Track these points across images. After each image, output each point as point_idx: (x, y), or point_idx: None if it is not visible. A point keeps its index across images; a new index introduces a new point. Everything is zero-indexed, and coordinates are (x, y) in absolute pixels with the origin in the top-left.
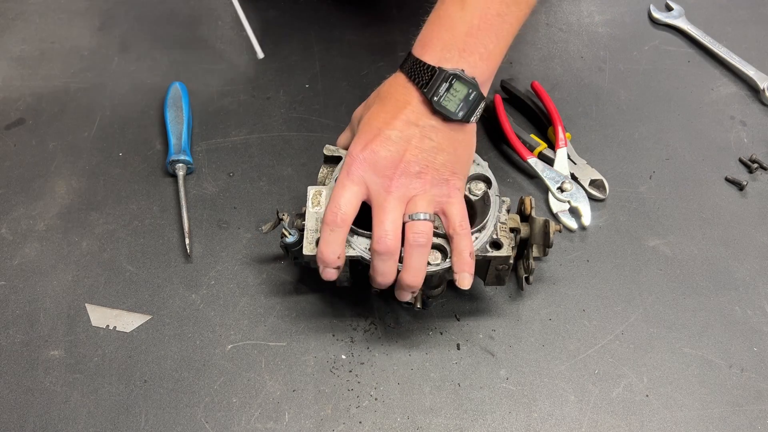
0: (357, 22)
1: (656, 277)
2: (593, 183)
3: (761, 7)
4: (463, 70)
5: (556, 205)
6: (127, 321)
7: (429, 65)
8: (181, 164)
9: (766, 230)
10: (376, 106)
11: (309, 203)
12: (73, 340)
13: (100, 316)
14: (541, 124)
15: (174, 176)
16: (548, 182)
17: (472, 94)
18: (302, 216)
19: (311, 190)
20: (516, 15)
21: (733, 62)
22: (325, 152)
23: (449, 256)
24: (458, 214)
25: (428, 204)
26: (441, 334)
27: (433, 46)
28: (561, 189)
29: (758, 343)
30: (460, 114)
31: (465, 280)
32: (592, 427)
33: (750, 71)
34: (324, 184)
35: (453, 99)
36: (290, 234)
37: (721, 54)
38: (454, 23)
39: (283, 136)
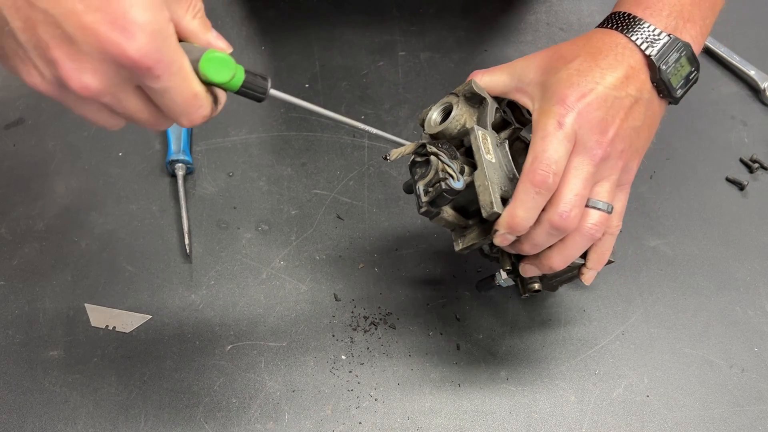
0: (357, 22)
1: (657, 278)
2: None
3: (761, 7)
4: (689, 44)
5: None
6: (127, 321)
7: (658, 30)
8: (180, 164)
9: (766, 230)
10: (587, 60)
11: (481, 147)
12: (72, 341)
13: (99, 317)
14: None
15: (173, 176)
16: None
17: (693, 74)
18: (446, 155)
19: (478, 132)
20: None
21: (734, 62)
22: (474, 87)
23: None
24: (622, 210)
25: (610, 193)
26: (441, 334)
27: (659, 9)
28: None
29: (759, 344)
30: (679, 92)
31: (592, 277)
32: (592, 428)
33: (751, 71)
34: (438, 124)
35: (677, 74)
36: (456, 175)
37: (721, 54)
38: None
39: (283, 136)
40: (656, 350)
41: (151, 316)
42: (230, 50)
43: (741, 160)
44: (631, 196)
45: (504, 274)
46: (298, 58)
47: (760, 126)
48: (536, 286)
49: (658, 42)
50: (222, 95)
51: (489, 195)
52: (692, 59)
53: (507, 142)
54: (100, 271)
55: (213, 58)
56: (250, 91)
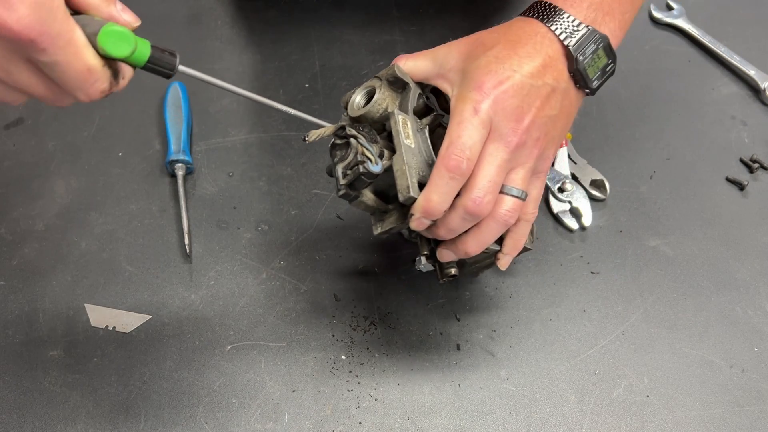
0: (357, 21)
1: (657, 278)
2: (594, 183)
3: (762, 7)
4: (606, 37)
5: (556, 206)
6: (127, 321)
7: (578, 21)
8: (180, 164)
9: (766, 230)
10: (507, 48)
11: (401, 132)
12: (72, 341)
13: (99, 317)
14: None
15: (173, 176)
16: (548, 182)
17: (609, 66)
18: (366, 138)
19: (399, 116)
20: None
21: (734, 62)
22: (397, 72)
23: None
24: (538, 197)
25: (525, 180)
26: (441, 334)
27: (579, 1)
28: (561, 189)
29: (759, 344)
30: (595, 83)
31: (508, 263)
32: (592, 428)
33: (751, 71)
34: (361, 107)
35: (594, 65)
36: (374, 158)
37: (721, 54)
38: None
39: (283, 136)
40: (656, 350)
41: (151, 316)
42: (137, 24)
43: (741, 160)
44: (631, 196)
45: (423, 260)
46: (298, 58)
47: (760, 126)
48: (453, 271)
49: (576, 33)
50: (127, 70)
51: (406, 179)
52: (609, 51)
53: (427, 128)
54: (100, 271)
55: (111, 31)
56: (157, 67)
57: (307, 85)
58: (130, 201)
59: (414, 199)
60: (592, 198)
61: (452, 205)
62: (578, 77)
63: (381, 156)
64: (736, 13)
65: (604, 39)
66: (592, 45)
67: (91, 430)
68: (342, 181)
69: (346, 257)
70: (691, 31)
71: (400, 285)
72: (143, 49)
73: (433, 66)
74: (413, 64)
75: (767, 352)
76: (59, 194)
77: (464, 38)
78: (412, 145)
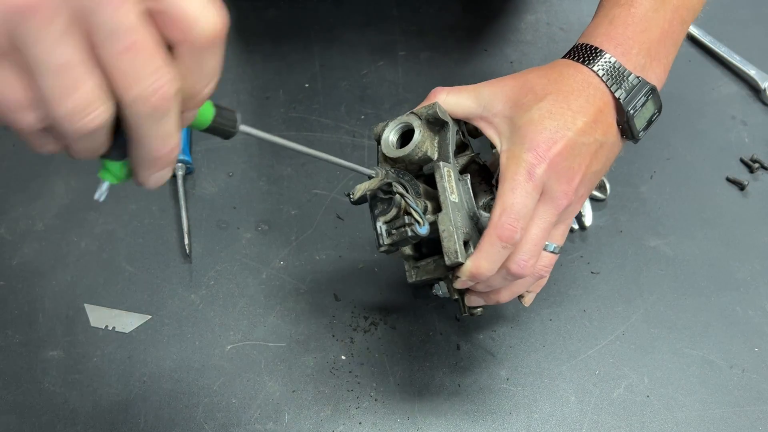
0: (357, 21)
1: (657, 278)
2: None
3: (762, 7)
4: (655, 88)
5: None
6: (126, 321)
7: (629, 71)
8: (180, 164)
9: (766, 230)
10: (558, 100)
11: (447, 188)
12: (72, 341)
13: (99, 317)
14: None
15: (173, 176)
16: None
17: (655, 116)
18: (409, 190)
19: (444, 169)
20: (689, 25)
21: (734, 62)
22: (439, 112)
23: None
24: (565, 235)
25: (564, 235)
26: (441, 334)
27: (630, 48)
28: None
29: (759, 344)
30: (641, 134)
31: (532, 299)
32: (592, 428)
33: (751, 71)
34: (397, 148)
35: (641, 116)
36: (422, 221)
37: (722, 53)
38: (649, 24)
39: (283, 136)
40: (656, 350)
41: (150, 316)
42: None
43: (741, 160)
44: (631, 196)
45: (443, 287)
46: (298, 58)
47: (760, 126)
48: (479, 311)
49: (627, 85)
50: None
51: (454, 243)
52: (657, 101)
53: (468, 176)
54: (100, 271)
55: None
56: (221, 128)
57: (307, 85)
58: (130, 201)
59: (461, 264)
60: (592, 198)
61: None
62: (626, 129)
63: (425, 211)
64: (737, 13)
65: (654, 90)
66: (643, 97)
67: (91, 430)
68: (386, 240)
69: (346, 257)
70: (691, 31)
71: (401, 285)
72: (206, 111)
73: (476, 106)
74: (455, 101)
75: (767, 352)
76: (59, 194)
77: (510, 78)
78: (457, 200)
